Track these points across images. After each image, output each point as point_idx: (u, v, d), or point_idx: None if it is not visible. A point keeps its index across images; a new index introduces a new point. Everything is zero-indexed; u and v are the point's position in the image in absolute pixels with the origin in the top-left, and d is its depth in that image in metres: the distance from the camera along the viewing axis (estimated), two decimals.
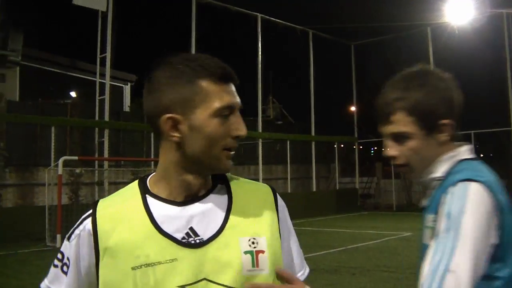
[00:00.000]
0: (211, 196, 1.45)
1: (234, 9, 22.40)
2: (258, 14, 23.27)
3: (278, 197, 1.55)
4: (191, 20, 21.19)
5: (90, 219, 1.42)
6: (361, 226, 18.77)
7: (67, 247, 1.45)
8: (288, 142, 24.87)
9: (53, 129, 17.59)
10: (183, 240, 1.37)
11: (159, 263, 1.34)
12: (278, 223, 1.49)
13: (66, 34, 30.53)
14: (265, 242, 1.42)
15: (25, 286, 9.03)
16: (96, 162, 19.22)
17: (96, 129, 19.36)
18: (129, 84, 26.58)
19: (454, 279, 1.45)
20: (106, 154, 18.90)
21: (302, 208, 21.73)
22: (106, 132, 19.04)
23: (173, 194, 1.43)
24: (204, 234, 1.39)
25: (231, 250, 1.38)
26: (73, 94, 25.67)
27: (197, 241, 1.37)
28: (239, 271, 1.37)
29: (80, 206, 15.90)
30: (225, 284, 1.35)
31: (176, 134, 1.39)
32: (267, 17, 23.58)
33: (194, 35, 21.21)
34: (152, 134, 19.91)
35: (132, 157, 20.58)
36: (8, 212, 15.93)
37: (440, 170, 1.72)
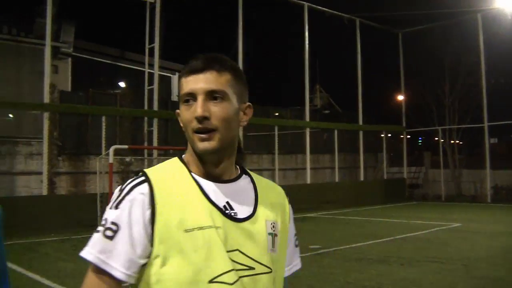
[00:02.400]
0: (240, 181, 1.62)
1: None
2: (304, 2, 23.23)
3: (288, 199, 1.74)
4: (238, 9, 21.23)
5: (146, 184, 1.49)
6: (409, 216, 18.52)
7: (115, 214, 1.48)
8: (336, 131, 24.73)
9: (103, 118, 17.98)
10: (226, 211, 1.52)
11: (210, 227, 1.46)
12: (289, 219, 1.70)
13: (115, 25, 30.50)
14: (279, 227, 1.62)
15: (81, 270, 9.12)
16: (146, 151, 19.52)
17: (145, 118, 19.64)
18: (176, 74, 26.45)
19: None
20: (155, 143, 19.15)
21: (349, 197, 22.16)
22: (155, 121, 19.32)
23: (205, 172, 1.57)
24: (238, 211, 1.54)
25: (260, 230, 1.56)
26: (122, 84, 26.26)
27: (233, 214, 1.52)
28: (265, 250, 1.55)
29: None
30: (253, 258, 1.51)
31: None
32: (314, 5, 23.46)
33: (241, 24, 21.28)
34: None
35: (181, 146, 20.22)
36: (61, 199, 16.33)
37: None
